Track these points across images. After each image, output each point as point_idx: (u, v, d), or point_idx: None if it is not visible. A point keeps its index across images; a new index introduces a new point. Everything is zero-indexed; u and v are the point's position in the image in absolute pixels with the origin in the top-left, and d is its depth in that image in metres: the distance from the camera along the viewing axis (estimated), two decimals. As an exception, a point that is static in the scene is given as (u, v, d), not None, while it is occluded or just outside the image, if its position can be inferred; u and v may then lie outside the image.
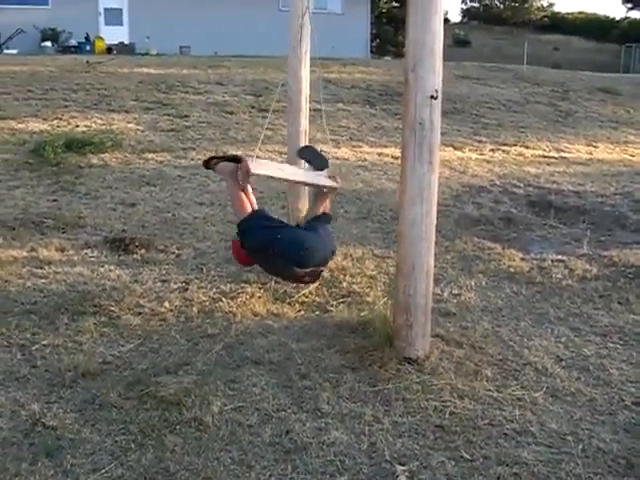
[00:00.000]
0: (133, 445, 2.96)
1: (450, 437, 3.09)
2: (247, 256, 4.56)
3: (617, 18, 46.76)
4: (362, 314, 4.40)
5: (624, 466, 2.94)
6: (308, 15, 5.02)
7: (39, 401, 3.29)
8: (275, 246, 4.27)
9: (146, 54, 19.46)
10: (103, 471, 2.78)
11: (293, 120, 5.26)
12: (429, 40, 3.33)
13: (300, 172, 5.08)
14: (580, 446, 3.06)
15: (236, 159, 4.68)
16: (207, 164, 4.86)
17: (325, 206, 4.88)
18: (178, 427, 3.08)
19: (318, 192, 4.94)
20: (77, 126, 9.61)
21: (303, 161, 5.29)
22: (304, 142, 5.31)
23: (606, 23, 45.13)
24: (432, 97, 3.39)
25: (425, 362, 3.72)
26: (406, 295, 3.64)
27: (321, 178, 4.90)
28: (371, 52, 28.15)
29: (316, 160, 5.02)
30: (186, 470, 2.79)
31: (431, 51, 3.35)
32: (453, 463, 2.90)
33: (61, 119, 9.93)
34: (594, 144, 11.53)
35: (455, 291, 4.94)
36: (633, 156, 10.90)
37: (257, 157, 4.85)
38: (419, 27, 3.33)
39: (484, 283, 5.13)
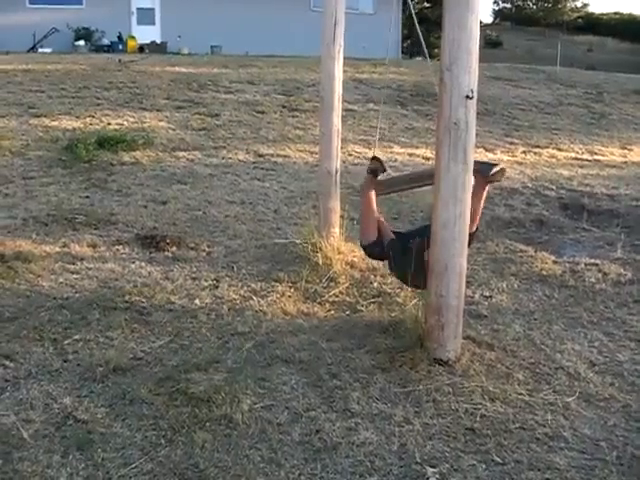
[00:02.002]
0: (163, 441, 2.97)
1: (481, 440, 3.05)
2: None
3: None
4: (393, 314, 4.39)
5: (660, 474, 2.88)
6: (341, 14, 5.00)
7: (71, 395, 3.32)
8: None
9: (177, 53, 19.61)
10: (133, 466, 2.79)
11: (326, 119, 5.24)
12: (465, 39, 3.30)
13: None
14: (614, 453, 3.00)
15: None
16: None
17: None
18: (208, 424, 3.09)
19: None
20: (109, 124, 9.71)
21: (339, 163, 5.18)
22: (336, 142, 5.29)
23: (641, 24, 44.44)
24: (467, 97, 3.35)
25: (456, 364, 3.68)
26: (438, 296, 3.61)
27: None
28: (402, 53, 28.03)
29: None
30: (215, 467, 2.79)
31: (467, 50, 3.31)
32: (484, 466, 2.86)
33: (94, 117, 10.04)
34: (628, 147, 11.36)
35: (486, 293, 4.89)
36: (669, 159, 10.72)
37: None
38: (455, 26, 3.30)
39: (516, 286, 5.08)
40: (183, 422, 3.08)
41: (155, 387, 3.39)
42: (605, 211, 7.43)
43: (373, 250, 4.44)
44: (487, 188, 4.23)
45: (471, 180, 3.56)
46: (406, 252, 4.09)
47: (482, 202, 4.21)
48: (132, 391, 3.35)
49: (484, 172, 4.15)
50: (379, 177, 4.61)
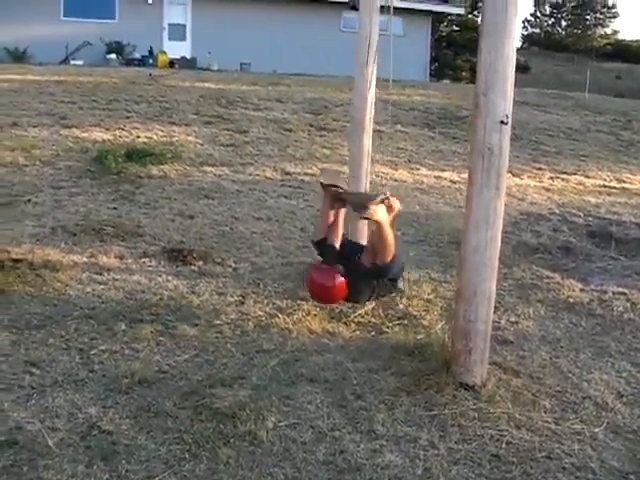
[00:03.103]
0: (187, 455, 2.97)
1: (507, 467, 3.02)
2: None
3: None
4: (418, 337, 4.36)
5: (689, 510, 2.83)
6: (375, 36, 5.04)
7: (96, 405, 3.33)
8: None
9: (207, 69, 19.85)
10: (157, 479, 2.79)
11: (356, 140, 5.25)
12: (501, 65, 3.30)
13: None
14: (643, 486, 2.96)
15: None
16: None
17: None
18: (232, 440, 3.08)
19: None
20: (138, 137, 9.81)
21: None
22: (366, 163, 5.30)
23: (671, 53, 44.27)
24: (502, 122, 3.35)
25: (482, 389, 3.65)
26: (466, 321, 3.59)
27: None
28: (430, 75, 28.12)
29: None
30: (239, 484, 2.79)
31: (503, 76, 3.32)
32: (510, 495, 2.83)
33: (123, 129, 10.16)
34: (657, 176, 11.26)
35: (513, 319, 4.85)
36: (697, 190, 10.60)
37: None
38: (492, 51, 3.31)
39: (542, 312, 5.03)
40: (207, 437, 3.08)
41: (180, 401, 3.39)
42: (633, 240, 7.34)
43: (317, 246, 4.92)
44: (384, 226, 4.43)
45: (502, 205, 3.55)
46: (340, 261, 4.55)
47: (384, 235, 4.40)
48: (157, 404, 3.36)
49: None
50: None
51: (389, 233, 4.38)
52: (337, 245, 4.75)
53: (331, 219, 4.78)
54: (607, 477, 3.02)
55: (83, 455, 2.94)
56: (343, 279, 4.40)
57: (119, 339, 4.07)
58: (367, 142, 5.30)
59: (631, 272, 6.22)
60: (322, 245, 4.82)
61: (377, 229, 4.42)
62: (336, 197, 4.74)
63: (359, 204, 4.49)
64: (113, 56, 21.33)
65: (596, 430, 3.40)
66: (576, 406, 3.64)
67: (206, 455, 2.96)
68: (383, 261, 4.41)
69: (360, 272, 4.51)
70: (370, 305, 4.89)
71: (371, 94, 5.15)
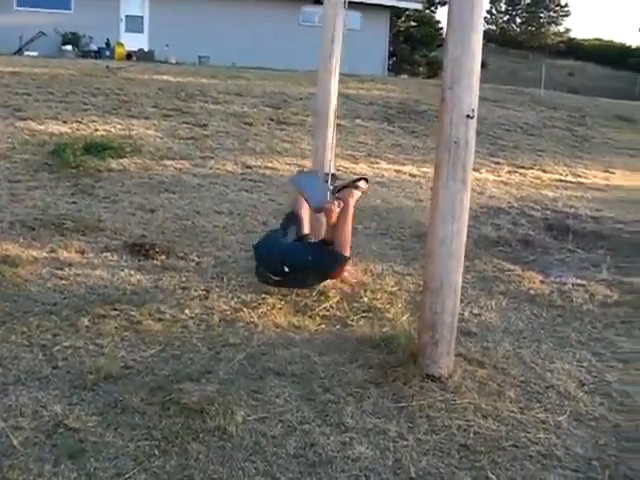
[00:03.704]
0: (156, 451, 2.93)
1: (475, 457, 3.06)
2: None
3: (633, 46, 46.92)
4: (384, 330, 4.39)
5: (651, 495, 2.91)
6: (339, 30, 5.04)
7: (61, 402, 3.27)
8: None
9: (165, 62, 19.60)
10: (126, 476, 2.75)
11: (320, 134, 5.25)
12: (468, 59, 3.34)
13: None
14: (607, 472, 3.02)
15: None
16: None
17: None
18: (201, 435, 3.06)
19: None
20: (97, 130, 9.65)
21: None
22: (330, 156, 5.30)
23: (622, 50, 45.26)
24: (468, 116, 3.38)
25: (448, 380, 3.69)
26: (433, 312, 3.62)
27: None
28: (388, 70, 28.25)
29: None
30: (210, 479, 2.76)
31: (469, 70, 3.35)
32: (479, 484, 2.87)
33: (81, 122, 9.98)
34: (611, 170, 11.51)
35: (476, 311, 4.92)
36: (650, 184, 10.88)
37: None
38: (458, 45, 3.33)
39: (504, 304, 5.11)
40: (176, 433, 3.05)
41: (147, 396, 3.35)
42: (589, 233, 7.50)
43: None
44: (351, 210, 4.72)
45: (468, 198, 3.59)
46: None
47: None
48: (124, 400, 3.31)
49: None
50: None
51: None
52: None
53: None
54: (572, 464, 3.08)
55: (49, 454, 2.89)
56: None
57: (83, 335, 4.00)
58: (330, 136, 5.30)
59: (588, 264, 6.34)
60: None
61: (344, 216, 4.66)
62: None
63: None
64: (69, 47, 20.94)
65: (560, 418, 3.46)
66: (540, 395, 3.70)
67: (176, 451, 2.93)
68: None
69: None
70: (335, 298, 4.90)
71: (335, 87, 5.15)
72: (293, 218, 4.99)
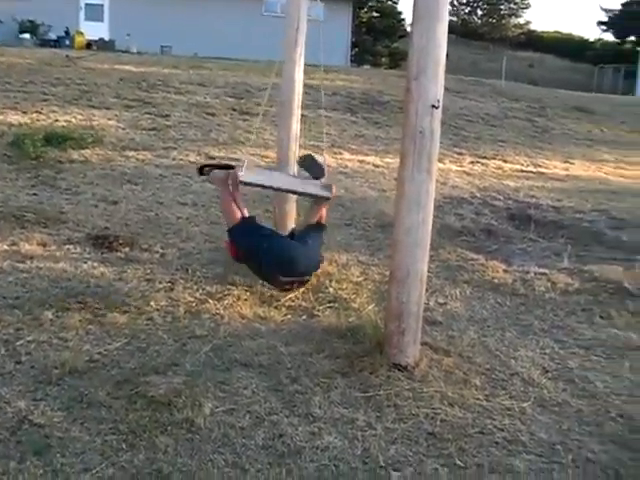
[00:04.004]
0: (124, 445, 2.90)
1: (442, 444, 3.09)
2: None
3: (591, 39, 47.70)
4: (350, 320, 4.40)
5: (613, 476, 2.97)
6: (304, 20, 5.02)
7: (25, 398, 3.21)
8: (261, 254, 4.44)
9: (126, 52, 19.35)
10: (94, 471, 2.72)
11: (284, 124, 5.23)
12: (433, 49, 3.35)
13: (292, 180, 5.10)
14: (570, 456, 3.08)
15: (228, 167, 4.78)
16: (201, 171, 5.15)
17: (320, 215, 4.92)
18: (169, 428, 3.03)
19: (315, 201, 4.96)
20: (57, 120, 9.49)
21: (296, 168, 5.30)
22: (295, 147, 5.29)
23: (580, 43, 45.95)
24: (434, 106, 3.40)
25: (415, 369, 3.72)
26: (399, 302, 3.64)
27: (313, 187, 4.91)
28: (351, 61, 28.26)
29: (313, 169, 5.04)
30: (179, 472, 2.74)
31: (435, 60, 3.36)
32: (447, 470, 2.90)
33: (40, 113, 9.80)
34: (570, 161, 11.70)
35: (441, 300, 4.96)
36: (608, 174, 11.08)
37: (249, 165, 4.93)
38: (424, 35, 3.35)
39: (469, 293, 5.16)
40: (144, 426, 3.02)
41: (113, 390, 3.32)
42: (550, 222, 7.61)
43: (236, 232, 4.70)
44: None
45: (434, 188, 3.61)
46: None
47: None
48: (90, 394, 3.27)
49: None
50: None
51: None
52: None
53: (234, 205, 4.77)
54: (536, 449, 3.13)
55: (14, 450, 2.83)
56: None
57: (46, 329, 3.93)
58: (295, 126, 5.29)
59: (550, 253, 6.44)
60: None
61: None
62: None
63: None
64: (27, 36, 20.53)
65: (524, 405, 3.51)
66: (505, 383, 3.75)
67: (143, 444, 2.90)
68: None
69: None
70: (300, 289, 4.90)
71: (299, 77, 5.13)
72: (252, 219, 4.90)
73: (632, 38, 43.66)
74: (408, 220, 3.54)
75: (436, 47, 3.34)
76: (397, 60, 36.42)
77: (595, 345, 4.41)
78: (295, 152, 5.37)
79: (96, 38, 21.19)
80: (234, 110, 11.74)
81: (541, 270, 5.77)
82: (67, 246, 5.33)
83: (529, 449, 3.12)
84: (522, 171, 10.44)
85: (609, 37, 47.05)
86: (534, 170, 10.62)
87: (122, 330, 4.02)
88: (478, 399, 3.52)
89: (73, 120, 9.62)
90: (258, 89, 13.45)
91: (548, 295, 5.23)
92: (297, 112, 5.23)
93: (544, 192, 9.00)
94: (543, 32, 49.51)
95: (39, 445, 2.86)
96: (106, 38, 21.74)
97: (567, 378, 3.89)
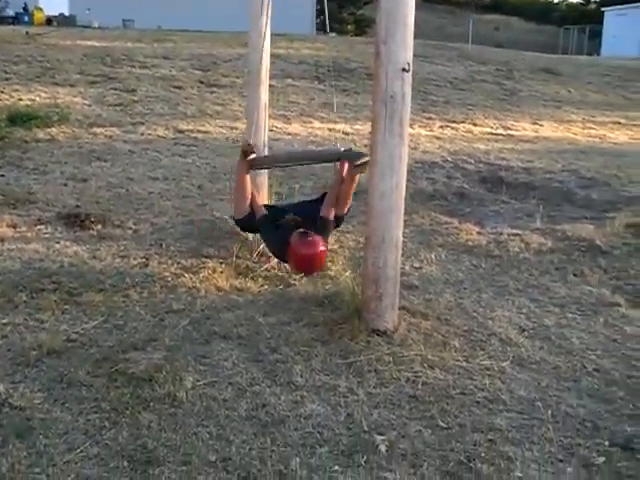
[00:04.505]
0: (107, 423, 2.88)
1: (425, 407, 3.12)
2: None
3: (555, 1, 47.71)
4: (327, 287, 4.41)
5: (591, 429, 3.02)
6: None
7: (3, 381, 3.17)
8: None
9: (88, 27, 18.95)
10: (78, 450, 2.69)
11: (253, 93, 5.16)
12: (402, 11, 3.31)
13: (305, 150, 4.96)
14: (549, 411, 3.13)
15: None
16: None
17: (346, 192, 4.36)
18: (152, 404, 3.02)
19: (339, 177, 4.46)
20: (20, 99, 9.30)
21: (267, 138, 5.25)
22: (264, 116, 5.23)
23: (545, 5, 45.96)
24: (404, 70, 3.38)
25: (394, 334, 3.74)
26: (376, 267, 3.65)
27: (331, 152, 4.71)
28: (316, 29, 27.98)
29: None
30: (164, 447, 2.73)
31: (403, 23, 3.33)
32: (430, 431, 2.93)
33: (3, 92, 9.60)
34: (539, 122, 11.74)
35: (416, 264, 4.99)
36: (576, 134, 11.15)
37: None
38: (391, -2, 3.30)
39: (444, 256, 5.20)
40: (126, 403, 3.01)
41: (93, 369, 3.29)
42: (521, 184, 7.67)
43: (245, 224, 4.48)
44: (357, 178, 4.35)
45: (406, 152, 3.60)
46: (278, 227, 4.18)
47: (353, 187, 4.32)
48: (69, 374, 3.24)
49: (352, 159, 4.29)
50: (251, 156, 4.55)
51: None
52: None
53: (248, 189, 4.47)
54: (517, 406, 3.17)
55: (-4, 434, 2.81)
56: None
57: (21, 310, 3.88)
58: (264, 95, 5.22)
59: (522, 214, 6.50)
60: (251, 219, 4.39)
61: (349, 181, 4.26)
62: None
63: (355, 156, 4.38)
64: (-18, 14, 20.01)
65: (503, 364, 3.56)
66: (483, 343, 3.79)
67: (126, 421, 2.89)
68: (342, 212, 4.31)
69: (328, 227, 4.29)
70: (275, 258, 4.89)
71: (266, 46, 5.05)
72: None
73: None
74: (381, 185, 3.53)
75: (404, 10, 3.31)
76: (363, 27, 36.16)
77: (570, 303, 4.47)
78: (265, 121, 5.31)
79: (56, 14, 20.71)
80: (201, 82, 11.58)
81: (514, 231, 5.83)
82: (38, 226, 5.26)
83: (509, 407, 3.17)
84: (492, 134, 10.46)
85: (573, -2, 47.11)
86: (504, 133, 10.64)
87: (98, 308, 3.98)
88: (458, 360, 3.56)
89: (37, 99, 9.43)
90: (224, 60, 13.28)
91: (522, 255, 5.28)
92: (266, 81, 5.16)
93: (514, 154, 9.04)
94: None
95: (21, 428, 2.83)
96: (66, 13, 21.26)
97: (544, 336, 3.95)
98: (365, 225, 3.77)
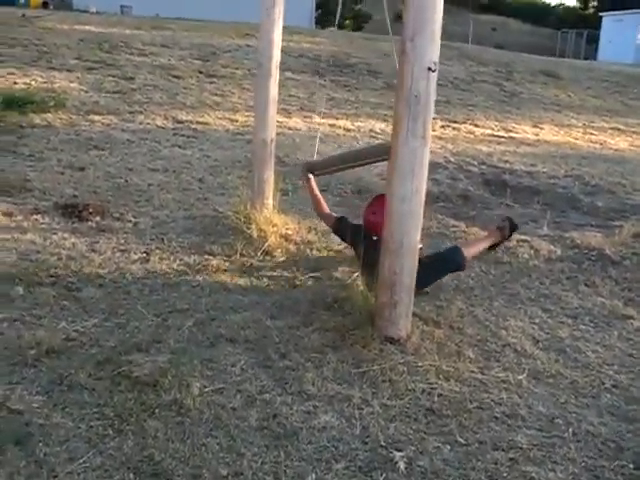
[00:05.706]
0: (110, 431, 2.72)
1: (442, 421, 2.98)
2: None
3: (552, 4, 47.82)
4: (334, 290, 4.26)
5: (614, 449, 2.90)
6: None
7: (0, 382, 3.00)
8: None
9: (85, 11, 18.68)
10: (81, 460, 2.53)
11: (262, 87, 5.00)
12: (429, 8, 3.17)
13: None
14: (570, 430, 3.00)
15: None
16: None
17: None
18: (157, 411, 2.86)
19: None
20: (16, 83, 9.10)
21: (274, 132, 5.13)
22: (273, 111, 5.08)
23: (542, 8, 46.02)
24: (430, 69, 3.24)
25: (407, 342, 3.60)
26: (392, 273, 3.51)
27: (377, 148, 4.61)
28: (315, 23, 27.81)
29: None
30: (172, 458, 2.58)
31: (431, 20, 3.19)
32: (449, 448, 2.79)
33: (-2, 75, 9.38)
34: (539, 125, 11.67)
35: (426, 269, 4.84)
36: (577, 139, 11.07)
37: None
38: (420, -6, 3.16)
39: (452, 261, 5.05)
40: (130, 409, 2.85)
41: (95, 371, 3.12)
42: (525, 188, 7.57)
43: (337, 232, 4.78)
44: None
45: (428, 155, 3.46)
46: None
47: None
48: (70, 376, 3.07)
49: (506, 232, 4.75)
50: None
51: None
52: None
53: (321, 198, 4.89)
54: (536, 423, 3.04)
55: (-8, 439, 2.65)
56: None
57: (18, 306, 3.71)
58: (274, 89, 5.07)
59: (527, 219, 6.38)
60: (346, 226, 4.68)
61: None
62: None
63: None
64: (-24, -6, 19.63)
65: (519, 377, 3.43)
66: (498, 354, 3.66)
67: (131, 429, 2.73)
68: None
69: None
70: (281, 258, 4.76)
71: (278, 38, 4.90)
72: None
73: (594, 3, 43.79)
74: (402, 189, 3.39)
75: (432, 6, 3.16)
76: (360, 22, 36.03)
77: (582, 314, 4.35)
78: (273, 116, 5.16)
79: (52, -3, 20.46)
80: (200, 72, 11.41)
81: (522, 237, 5.69)
82: (34, 216, 5.08)
83: (529, 424, 3.04)
84: (493, 135, 10.36)
85: (571, 2, 47.16)
86: (505, 135, 10.54)
87: (99, 305, 3.82)
88: (473, 372, 3.43)
89: (33, 83, 9.22)
90: (224, 51, 13.10)
91: (532, 263, 5.15)
92: (275, 74, 5.01)
93: (517, 157, 8.94)
94: (506, -5, 49.36)
95: (19, 434, 2.66)
96: (62, -3, 21.01)
97: (558, 348, 3.82)
98: (383, 229, 3.62)
